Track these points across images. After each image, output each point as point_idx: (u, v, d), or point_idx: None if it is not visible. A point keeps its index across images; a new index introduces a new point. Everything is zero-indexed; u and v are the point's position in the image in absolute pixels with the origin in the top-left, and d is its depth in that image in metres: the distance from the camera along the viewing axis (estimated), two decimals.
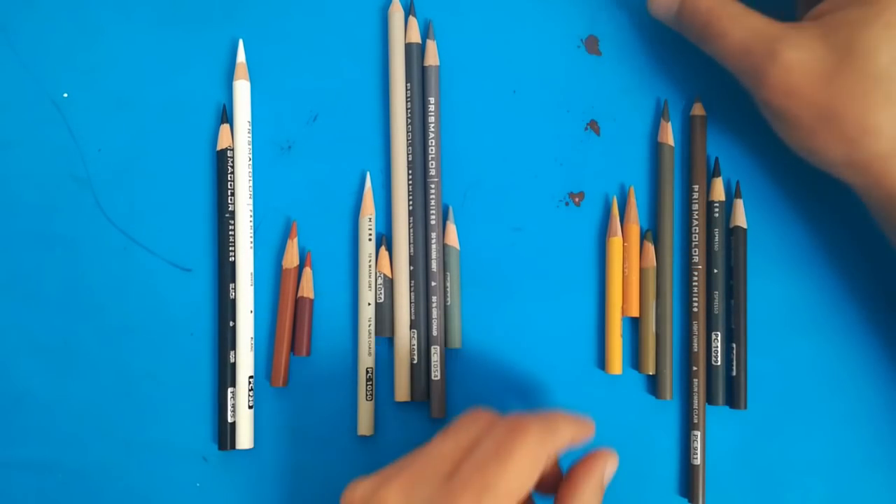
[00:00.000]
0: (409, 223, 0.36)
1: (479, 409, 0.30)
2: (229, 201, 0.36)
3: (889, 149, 0.28)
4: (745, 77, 0.30)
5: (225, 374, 0.36)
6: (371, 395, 0.36)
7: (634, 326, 0.36)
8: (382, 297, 0.36)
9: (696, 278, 0.35)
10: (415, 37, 0.36)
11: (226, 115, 0.37)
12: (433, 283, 0.36)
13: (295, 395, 0.36)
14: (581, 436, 0.30)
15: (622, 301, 0.36)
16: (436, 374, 0.35)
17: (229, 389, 0.36)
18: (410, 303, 0.36)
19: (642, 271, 0.36)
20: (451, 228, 0.36)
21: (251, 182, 0.36)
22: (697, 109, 0.36)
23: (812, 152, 0.30)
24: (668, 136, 0.36)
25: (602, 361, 0.36)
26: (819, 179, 0.34)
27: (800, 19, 0.31)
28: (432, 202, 0.36)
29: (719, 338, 0.35)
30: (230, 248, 0.36)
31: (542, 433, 0.28)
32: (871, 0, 0.27)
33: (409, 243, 0.36)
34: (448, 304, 0.36)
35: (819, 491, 0.35)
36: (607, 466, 0.30)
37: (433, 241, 0.36)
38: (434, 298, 0.36)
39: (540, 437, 0.27)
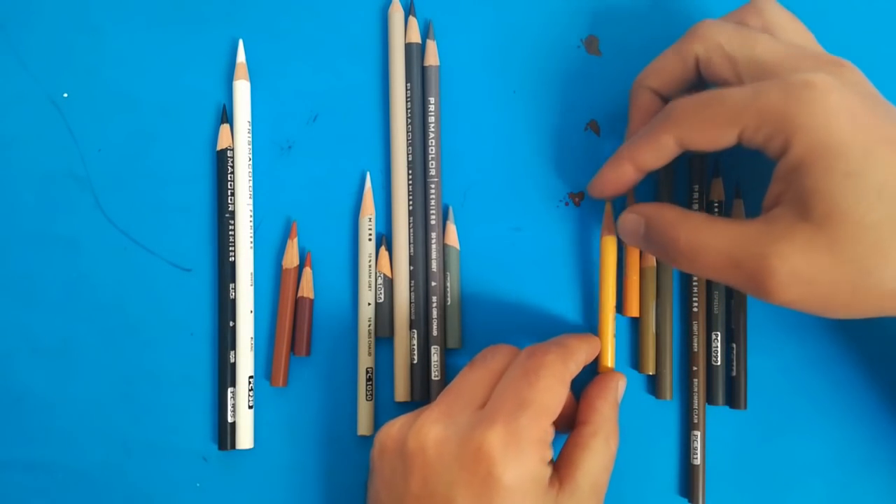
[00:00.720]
0: (409, 223, 0.36)
1: (500, 344, 0.32)
2: (229, 201, 0.36)
3: None
4: (743, 287, 0.27)
5: (225, 374, 0.36)
6: (371, 395, 0.36)
7: (634, 326, 0.36)
8: (382, 297, 0.36)
9: (696, 278, 0.35)
10: (415, 37, 0.36)
11: (226, 115, 0.37)
12: (433, 283, 0.36)
13: (295, 395, 0.36)
14: (592, 354, 0.33)
15: (624, 300, 0.36)
16: (436, 374, 0.35)
17: (229, 389, 0.36)
18: (410, 303, 0.36)
19: (642, 271, 0.36)
20: (451, 228, 0.36)
21: (251, 182, 0.36)
22: None
23: (858, 316, 0.27)
24: None
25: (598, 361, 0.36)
26: None
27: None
28: (432, 202, 0.36)
29: (719, 338, 0.35)
30: (230, 248, 0.36)
31: (562, 354, 0.30)
32: (813, 160, 0.25)
33: (409, 243, 0.36)
34: (448, 304, 0.36)
35: (819, 491, 0.35)
36: (619, 384, 0.33)
37: (433, 241, 0.36)
38: (434, 298, 0.36)
39: (560, 358, 0.30)
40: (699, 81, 0.31)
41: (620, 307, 0.36)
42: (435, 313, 0.36)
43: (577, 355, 0.31)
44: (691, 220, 0.29)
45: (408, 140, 0.36)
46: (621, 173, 0.32)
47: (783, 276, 0.26)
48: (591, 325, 0.36)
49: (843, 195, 0.25)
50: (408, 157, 0.36)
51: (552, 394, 0.29)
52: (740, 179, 0.36)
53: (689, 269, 0.29)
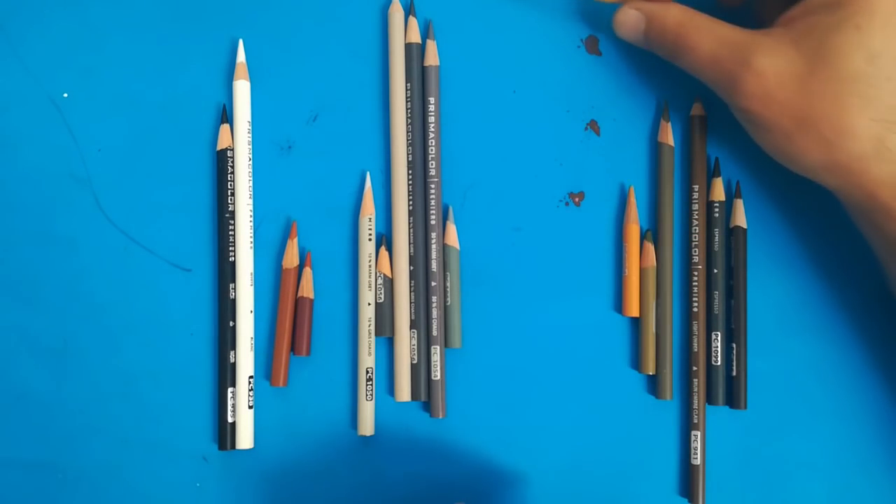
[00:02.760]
0: (409, 223, 0.36)
1: None
2: (229, 201, 0.36)
3: (866, 149, 0.28)
4: (719, 87, 0.31)
5: (225, 374, 0.36)
6: (371, 395, 0.36)
7: (634, 326, 0.36)
8: (382, 297, 0.36)
9: (696, 278, 0.35)
10: (415, 37, 0.36)
11: (226, 115, 0.37)
12: (433, 283, 0.36)
13: (295, 395, 0.36)
14: None
15: (623, 300, 0.36)
16: (436, 374, 0.35)
17: (229, 389, 0.36)
18: (410, 303, 0.36)
19: (642, 271, 0.36)
20: (451, 228, 0.36)
21: (251, 182, 0.36)
22: (697, 109, 0.36)
23: (790, 157, 0.30)
24: (668, 136, 0.36)
25: (599, 361, 0.36)
26: None
27: (768, 25, 0.31)
28: (432, 202, 0.36)
29: (719, 338, 0.35)
30: (230, 248, 0.36)
31: None
32: (840, 3, 0.28)
33: (409, 243, 0.36)
34: (448, 304, 0.36)
35: (819, 491, 0.35)
36: None
37: (433, 241, 0.36)
38: (434, 298, 0.36)
39: None
40: None
41: (620, 307, 0.36)
42: (435, 313, 0.36)
43: None
44: (696, 20, 0.31)
45: (408, 140, 0.36)
46: None
47: (756, 73, 0.29)
48: (590, 325, 0.36)
49: (846, 42, 0.27)
50: (408, 157, 0.36)
51: None
52: (740, 179, 0.36)
53: (683, 65, 0.32)
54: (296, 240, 0.36)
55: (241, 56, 0.37)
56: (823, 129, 0.28)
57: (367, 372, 0.36)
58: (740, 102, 0.30)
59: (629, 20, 0.34)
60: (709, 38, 0.30)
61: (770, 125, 0.29)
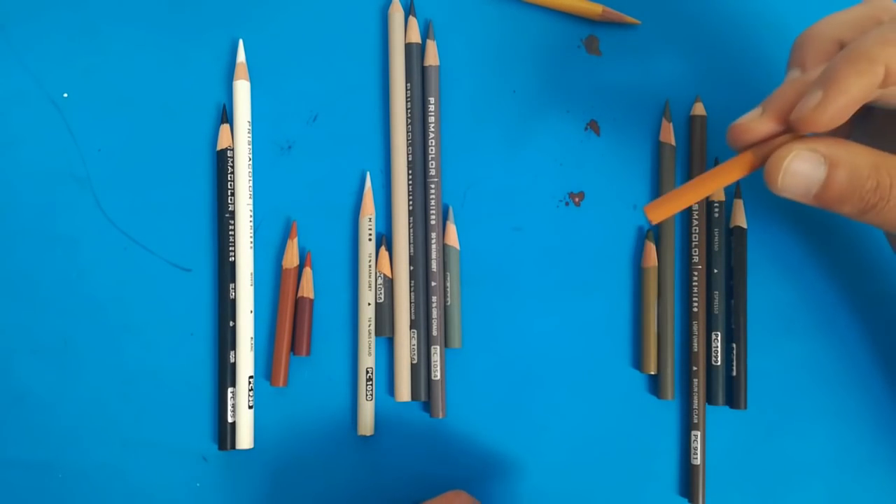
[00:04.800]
0: (409, 223, 0.36)
1: (457, 493, 0.31)
2: (229, 201, 0.36)
3: None
4: None
5: (225, 374, 0.36)
6: (371, 395, 0.36)
7: (635, 326, 0.36)
8: (382, 297, 0.36)
9: (696, 278, 0.35)
10: (415, 37, 0.36)
11: (226, 115, 0.37)
12: (433, 283, 0.36)
13: (295, 395, 0.36)
14: None
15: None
16: (436, 374, 0.35)
17: (229, 389, 0.36)
18: (410, 303, 0.36)
19: (643, 271, 0.36)
20: (451, 228, 0.36)
21: (251, 182, 0.36)
22: (697, 109, 0.36)
23: None
24: (670, 135, 0.36)
25: (600, 361, 0.36)
26: None
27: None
28: (432, 202, 0.36)
29: (719, 338, 0.35)
30: (230, 248, 0.36)
31: None
32: None
33: (409, 243, 0.36)
34: (448, 304, 0.36)
35: (819, 491, 0.35)
36: None
37: (433, 241, 0.36)
38: (434, 298, 0.36)
39: None
40: None
41: (619, 308, 0.36)
42: (435, 313, 0.36)
43: None
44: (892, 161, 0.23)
45: (408, 140, 0.36)
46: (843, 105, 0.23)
47: None
48: (590, 325, 0.36)
49: None
50: (408, 157, 0.36)
51: None
52: (740, 179, 0.36)
53: (880, 224, 0.24)
54: (296, 240, 0.36)
55: (241, 56, 0.37)
56: None
57: (367, 372, 0.36)
58: None
59: (805, 167, 0.24)
60: None
61: None
